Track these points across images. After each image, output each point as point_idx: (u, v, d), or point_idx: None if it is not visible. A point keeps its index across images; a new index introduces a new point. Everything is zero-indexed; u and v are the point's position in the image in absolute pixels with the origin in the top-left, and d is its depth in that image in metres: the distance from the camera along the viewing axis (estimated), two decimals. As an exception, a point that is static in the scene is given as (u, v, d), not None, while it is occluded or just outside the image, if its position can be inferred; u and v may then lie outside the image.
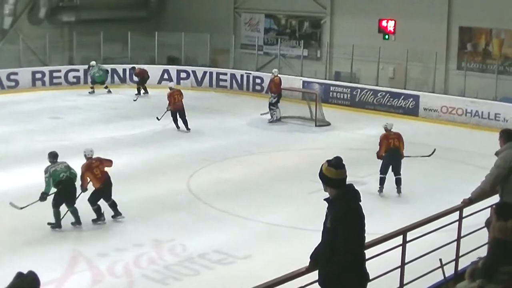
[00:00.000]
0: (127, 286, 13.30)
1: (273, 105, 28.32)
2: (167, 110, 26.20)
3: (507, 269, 7.97)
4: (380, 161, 18.91)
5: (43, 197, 15.90)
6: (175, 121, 26.48)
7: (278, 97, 28.44)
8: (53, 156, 16.24)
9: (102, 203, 16.32)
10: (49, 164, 16.02)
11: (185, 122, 26.41)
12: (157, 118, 26.05)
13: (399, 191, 18.89)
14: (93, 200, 16.24)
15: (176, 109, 26.33)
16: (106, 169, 16.57)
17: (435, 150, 20.16)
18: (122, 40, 36.94)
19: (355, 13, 33.84)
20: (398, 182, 18.94)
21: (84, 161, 16.44)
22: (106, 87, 33.88)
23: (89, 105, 29.94)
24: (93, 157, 16.53)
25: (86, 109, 29.63)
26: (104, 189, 16.37)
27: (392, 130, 19.28)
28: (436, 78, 30.76)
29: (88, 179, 16.31)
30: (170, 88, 26.76)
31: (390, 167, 18.91)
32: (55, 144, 23.12)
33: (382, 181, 19.02)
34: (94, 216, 16.25)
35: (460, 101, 28.57)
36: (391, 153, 18.85)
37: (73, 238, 15.54)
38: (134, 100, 31.94)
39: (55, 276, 13.29)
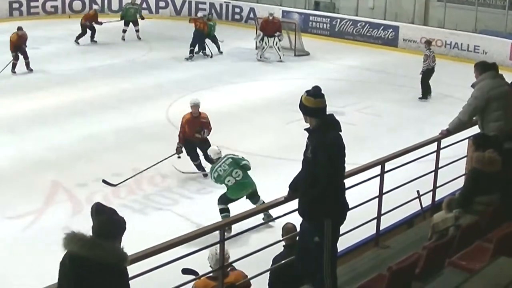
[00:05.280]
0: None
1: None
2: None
3: (483, 200, 8.08)
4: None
5: None
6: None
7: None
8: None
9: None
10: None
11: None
12: None
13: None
14: None
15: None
16: None
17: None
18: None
19: None
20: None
21: None
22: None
23: (67, 35, 29.53)
24: None
25: (64, 40, 29.23)
26: None
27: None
28: (416, 10, 30.59)
29: None
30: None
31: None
32: (33, 75, 23.04)
33: (192, 52, 26.65)
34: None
35: (439, 32, 28.46)
36: (197, 32, 26.70)
37: (51, 169, 15.48)
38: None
39: (35, 207, 13.31)
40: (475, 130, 9.90)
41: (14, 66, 23.85)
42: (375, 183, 8.83)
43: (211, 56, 27.17)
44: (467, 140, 10.24)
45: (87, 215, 13.19)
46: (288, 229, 8.46)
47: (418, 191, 10.00)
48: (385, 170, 8.86)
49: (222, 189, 13.13)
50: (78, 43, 28.60)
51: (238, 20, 34.73)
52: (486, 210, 8.00)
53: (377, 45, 30.04)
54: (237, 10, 34.96)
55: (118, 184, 14.51)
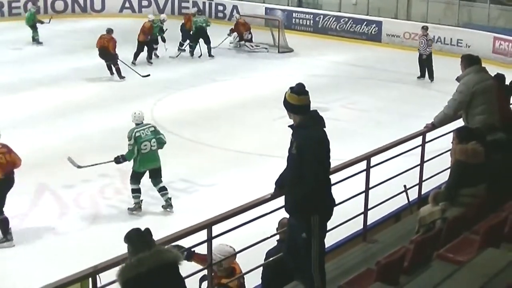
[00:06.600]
0: (93, 217, 13.29)
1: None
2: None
3: (468, 192, 8.10)
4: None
5: None
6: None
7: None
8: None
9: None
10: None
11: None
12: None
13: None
14: None
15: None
16: None
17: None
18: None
19: None
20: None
21: None
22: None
23: (51, 36, 29.39)
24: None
25: (48, 40, 29.08)
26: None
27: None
28: (399, 4, 30.69)
29: None
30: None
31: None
32: (19, 76, 22.96)
33: (180, 45, 26.96)
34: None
35: (422, 26, 28.60)
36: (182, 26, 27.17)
37: (38, 171, 15.39)
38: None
39: (20, 209, 13.23)
40: (460, 123, 9.93)
41: (118, 70, 23.43)
42: (361, 178, 8.85)
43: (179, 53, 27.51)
44: (452, 133, 10.26)
45: (73, 217, 13.25)
46: (283, 224, 8.44)
47: (405, 185, 10.02)
48: (371, 165, 8.87)
49: (210, 187, 13.13)
50: (134, 63, 25.17)
51: (222, 17, 34.73)
52: (472, 202, 8.02)
53: (361, 41, 30.16)
54: (220, 7, 35.01)
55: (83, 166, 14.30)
